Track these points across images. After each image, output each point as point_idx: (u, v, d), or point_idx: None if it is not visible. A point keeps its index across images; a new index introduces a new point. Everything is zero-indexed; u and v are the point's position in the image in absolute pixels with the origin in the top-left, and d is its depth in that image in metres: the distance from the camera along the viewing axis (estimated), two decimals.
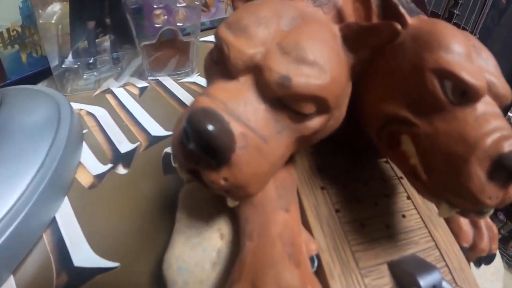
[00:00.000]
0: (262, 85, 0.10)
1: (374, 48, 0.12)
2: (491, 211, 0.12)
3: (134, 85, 0.29)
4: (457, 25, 0.62)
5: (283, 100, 0.10)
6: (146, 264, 0.16)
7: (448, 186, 0.11)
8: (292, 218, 0.12)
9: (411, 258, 0.14)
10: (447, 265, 0.15)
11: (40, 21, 0.26)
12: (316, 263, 0.12)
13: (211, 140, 0.09)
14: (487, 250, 0.17)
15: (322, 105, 0.10)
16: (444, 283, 0.13)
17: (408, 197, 0.17)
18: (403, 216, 0.16)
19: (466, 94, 0.11)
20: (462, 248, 0.17)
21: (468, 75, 0.11)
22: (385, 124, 0.12)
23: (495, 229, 0.18)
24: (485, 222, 0.18)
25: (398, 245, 0.15)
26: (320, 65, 0.10)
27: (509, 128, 0.11)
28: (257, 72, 0.10)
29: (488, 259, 0.18)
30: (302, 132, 0.10)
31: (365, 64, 0.12)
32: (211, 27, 0.43)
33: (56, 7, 0.27)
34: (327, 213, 0.14)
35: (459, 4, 0.59)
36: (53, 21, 0.26)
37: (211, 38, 0.40)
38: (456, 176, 0.10)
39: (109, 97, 0.28)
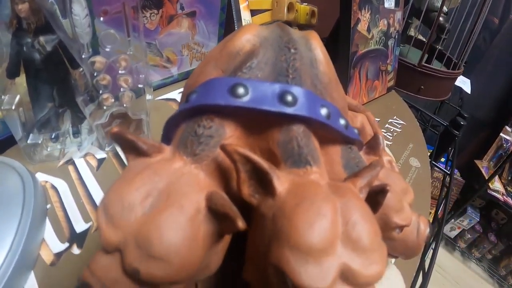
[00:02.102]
0: (124, 267, 0.12)
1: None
2: None
3: (94, 155, 0.33)
4: (443, 54, 0.65)
5: (142, 282, 0.13)
6: None
7: None
8: None
9: None
10: None
11: (3, 107, 0.29)
12: None
13: None
14: None
15: (173, 283, 0.13)
16: None
17: None
18: None
19: None
20: None
21: (307, 280, 0.11)
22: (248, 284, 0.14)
23: None
24: None
25: None
26: (166, 259, 0.12)
27: None
28: (121, 254, 0.12)
29: None
30: None
31: (234, 231, 0.13)
32: (178, 80, 0.46)
33: (18, 87, 0.30)
34: None
35: (442, 40, 0.61)
36: (13, 108, 0.29)
37: (174, 94, 0.43)
38: None
39: (71, 169, 0.31)
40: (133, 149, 0.15)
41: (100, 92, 0.30)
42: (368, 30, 0.44)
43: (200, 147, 0.16)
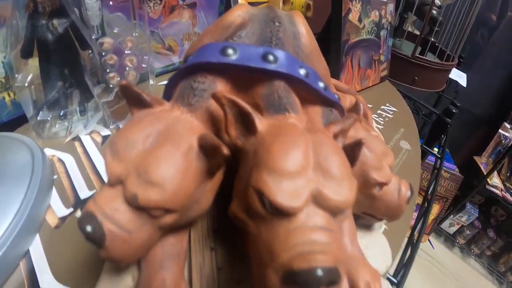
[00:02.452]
0: (126, 196, 0.15)
1: (223, 158, 0.15)
2: None
3: (99, 133, 0.35)
4: (436, 47, 0.66)
5: (140, 208, 0.15)
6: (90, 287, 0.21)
7: (257, 280, 0.13)
8: (170, 274, 0.17)
9: None
10: None
11: (16, 85, 0.31)
12: None
13: (89, 236, 0.14)
14: None
15: (166, 210, 0.15)
16: None
17: None
18: None
19: (281, 212, 0.13)
20: None
21: (280, 198, 0.12)
22: (234, 218, 0.16)
23: None
24: None
25: None
26: (161, 184, 0.14)
27: (320, 242, 0.12)
28: (123, 185, 0.14)
29: None
30: (160, 224, 0.15)
31: (221, 165, 0.16)
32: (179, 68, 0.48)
33: (30, 67, 0.33)
34: (209, 272, 0.18)
35: (434, 31, 0.63)
36: (26, 85, 0.31)
37: None
38: (260, 275, 0.13)
39: (77, 144, 0.34)
40: (138, 102, 0.17)
41: (107, 71, 0.32)
42: (360, 20, 0.46)
43: (195, 98, 0.18)
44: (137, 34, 0.33)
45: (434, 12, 0.60)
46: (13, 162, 0.28)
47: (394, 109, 0.52)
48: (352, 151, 0.18)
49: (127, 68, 0.32)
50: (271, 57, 0.17)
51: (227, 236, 0.20)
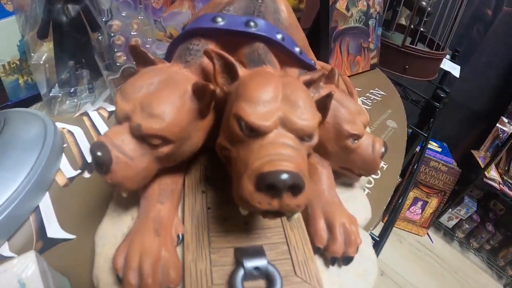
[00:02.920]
0: (131, 128, 0.18)
1: (211, 99, 0.18)
2: (294, 215, 0.16)
3: (105, 109, 0.38)
4: (425, 37, 0.69)
5: (142, 137, 0.18)
6: (92, 236, 0.24)
7: (236, 193, 0.16)
8: (165, 208, 0.20)
9: (254, 247, 0.18)
10: (291, 258, 0.19)
11: (32, 62, 0.35)
12: (180, 239, 0.20)
13: (98, 160, 0.17)
14: (341, 252, 0.20)
15: (164, 140, 0.18)
16: (269, 266, 0.17)
17: None
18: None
19: (255, 131, 0.16)
20: (316, 248, 0.21)
21: (253, 118, 0.15)
22: (220, 150, 0.19)
23: (353, 236, 0.21)
24: (344, 229, 0.21)
25: (250, 237, 0.20)
26: (160, 116, 0.17)
27: (286, 154, 0.15)
28: (129, 120, 0.18)
29: (344, 260, 0.20)
30: (157, 155, 0.18)
31: (210, 106, 0.19)
32: None
33: (44, 49, 0.36)
34: (199, 210, 0.21)
35: (423, 21, 0.66)
36: (41, 62, 0.35)
37: None
38: (237, 187, 0.16)
39: (85, 119, 0.37)
40: (144, 61, 0.21)
41: (115, 50, 0.35)
42: (347, 8, 0.49)
43: (190, 57, 0.21)
44: (142, 17, 0.37)
45: (424, 3, 0.63)
46: (27, 131, 0.32)
47: (383, 93, 0.55)
48: (324, 102, 0.21)
49: None
50: (252, 23, 0.21)
51: (217, 183, 0.23)
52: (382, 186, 0.35)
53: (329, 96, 0.20)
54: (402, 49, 0.64)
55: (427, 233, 1.35)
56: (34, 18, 0.33)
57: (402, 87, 0.65)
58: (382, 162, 0.39)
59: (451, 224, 1.32)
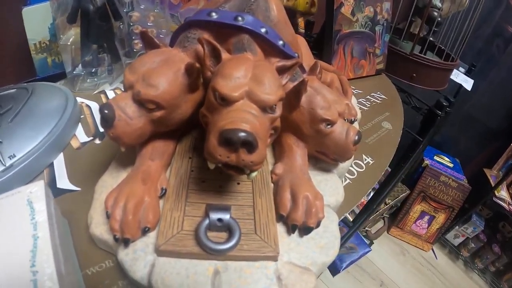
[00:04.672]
0: (133, 95, 0.22)
1: (197, 75, 0.22)
2: (252, 173, 0.19)
3: (121, 89, 0.43)
4: (434, 45, 0.70)
5: (140, 102, 0.22)
6: (94, 190, 0.28)
7: (205, 148, 0.19)
8: (154, 164, 0.24)
9: (223, 205, 0.22)
10: (254, 220, 0.22)
11: (61, 42, 0.40)
12: (163, 192, 0.23)
13: (105, 116, 0.21)
14: (301, 221, 0.22)
15: (158, 105, 0.22)
16: (231, 221, 0.20)
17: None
18: (238, 183, 0.24)
19: (225, 100, 0.20)
20: (280, 215, 0.23)
21: (224, 89, 0.19)
22: (201, 117, 0.23)
23: (314, 209, 0.22)
24: (307, 201, 0.23)
25: (223, 197, 0.23)
26: (156, 85, 0.21)
27: (247, 118, 0.18)
28: (132, 88, 0.22)
29: (303, 230, 0.22)
30: (152, 118, 0.22)
31: (198, 83, 0.23)
32: None
33: (72, 32, 0.41)
34: (183, 172, 0.25)
35: (431, 30, 0.67)
36: (69, 43, 0.40)
37: None
38: (206, 143, 0.19)
39: (102, 96, 0.41)
40: (151, 45, 0.25)
41: (133, 38, 0.40)
42: (352, 13, 0.52)
43: (187, 43, 0.25)
44: (158, 10, 0.41)
45: (435, 13, 0.64)
46: (51, 101, 0.37)
47: (384, 97, 0.56)
48: (298, 87, 0.24)
49: None
50: (240, 18, 0.24)
51: (203, 152, 0.26)
52: (363, 180, 0.37)
53: (302, 83, 0.23)
54: (410, 57, 0.65)
55: (432, 249, 1.32)
56: (65, 5, 0.38)
57: (406, 93, 0.66)
58: (369, 158, 0.41)
59: (457, 241, 1.29)
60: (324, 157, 0.29)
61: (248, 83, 0.20)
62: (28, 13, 0.39)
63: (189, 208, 0.22)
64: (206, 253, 0.20)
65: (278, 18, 0.28)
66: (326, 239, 0.23)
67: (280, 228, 0.23)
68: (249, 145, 0.18)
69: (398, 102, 0.57)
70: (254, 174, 0.19)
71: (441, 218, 1.24)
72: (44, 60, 0.43)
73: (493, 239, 1.23)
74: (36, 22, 0.40)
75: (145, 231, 0.21)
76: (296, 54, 0.28)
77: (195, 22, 0.26)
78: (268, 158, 0.29)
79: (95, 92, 0.42)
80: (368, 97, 0.54)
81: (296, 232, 0.23)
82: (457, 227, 1.25)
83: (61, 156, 0.33)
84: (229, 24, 0.24)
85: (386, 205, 1.18)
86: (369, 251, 1.02)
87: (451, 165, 1.26)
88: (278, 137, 0.28)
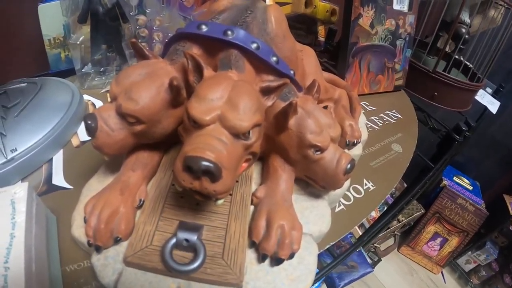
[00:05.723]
0: (116, 107, 0.22)
1: (177, 92, 0.21)
2: (218, 200, 0.19)
3: None
4: (465, 67, 0.66)
5: (122, 115, 0.22)
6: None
7: (173, 171, 0.18)
8: (135, 175, 0.24)
9: (195, 224, 0.21)
10: (224, 243, 0.21)
11: (70, 41, 0.41)
12: (141, 203, 0.23)
13: (88, 126, 0.21)
14: (271, 252, 0.21)
15: (137, 119, 0.21)
16: (198, 242, 0.20)
17: (230, 194, 0.24)
18: (215, 203, 0.22)
19: (196, 123, 0.19)
20: (252, 242, 0.22)
21: (195, 112, 0.18)
22: (179, 135, 0.22)
23: (288, 240, 0.21)
24: (282, 231, 0.21)
25: (197, 216, 0.23)
26: (137, 100, 0.21)
27: (213, 145, 0.17)
28: (116, 100, 0.22)
29: (274, 261, 0.21)
30: (132, 131, 0.22)
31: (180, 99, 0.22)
32: None
33: (82, 31, 0.42)
34: (164, 184, 0.25)
35: (456, 48, 0.63)
36: (78, 43, 0.41)
37: None
38: (174, 166, 0.18)
39: (109, 95, 0.42)
40: (141, 55, 0.25)
41: (140, 41, 0.40)
42: (372, 26, 0.49)
43: (176, 55, 0.25)
44: (164, 15, 0.41)
45: (463, 30, 0.60)
46: (57, 97, 0.38)
47: (400, 116, 0.53)
48: (285, 109, 0.22)
49: (154, 41, 0.40)
50: (229, 32, 0.23)
51: None
52: (360, 206, 0.35)
53: (289, 105, 0.22)
54: (433, 75, 0.61)
55: (442, 272, 1.26)
56: (76, 5, 0.39)
57: (424, 113, 0.63)
58: (370, 183, 0.39)
59: (468, 267, 1.21)
60: (313, 182, 0.27)
61: (222, 106, 0.19)
62: (44, 10, 0.40)
63: (162, 223, 0.22)
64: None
65: (275, 32, 0.26)
66: (299, 271, 0.22)
67: (252, 254, 0.22)
68: (211, 174, 0.17)
69: (414, 123, 0.54)
70: (220, 201, 0.19)
71: (454, 241, 1.18)
72: (58, 55, 0.45)
73: (505, 269, 1.15)
74: (51, 18, 0.42)
75: (117, 240, 0.21)
76: (292, 72, 0.27)
77: (185, 35, 0.25)
78: (255, 178, 0.28)
79: (102, 91, 0.43)
80: (381, 115, 0.52)
81: (268, 261, 0.22)
82: (469, 252, 1.18)
83: (60, 153, 0.34)
84: (218, 39, 0.24)
85: (399, 222, 1.14)
86: (371, 271, 0.98)
87: (470, 187, 1.19)
88: (266, 157, 0.28)
